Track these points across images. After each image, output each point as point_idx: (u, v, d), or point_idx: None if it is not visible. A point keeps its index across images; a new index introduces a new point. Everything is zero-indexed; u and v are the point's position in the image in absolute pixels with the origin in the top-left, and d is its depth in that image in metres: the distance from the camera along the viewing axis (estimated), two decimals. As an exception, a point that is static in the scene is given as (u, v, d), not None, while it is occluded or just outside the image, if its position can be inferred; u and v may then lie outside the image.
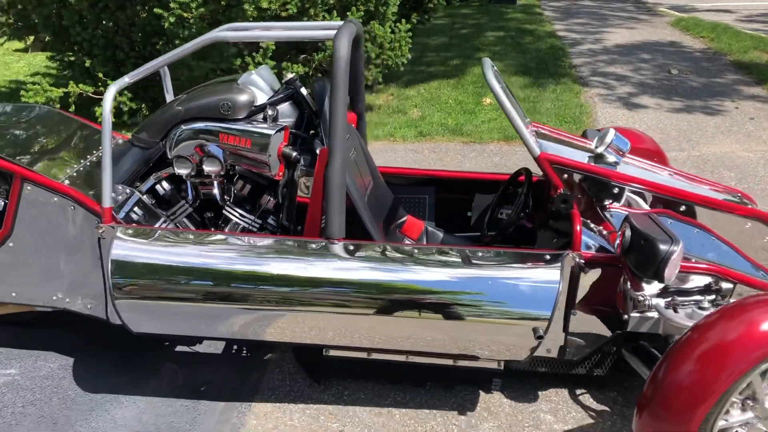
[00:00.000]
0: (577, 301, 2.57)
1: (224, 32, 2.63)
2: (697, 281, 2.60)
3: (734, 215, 2.78)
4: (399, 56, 6.40)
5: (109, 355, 3.02)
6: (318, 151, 2.66)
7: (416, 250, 2.52)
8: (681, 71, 7.68)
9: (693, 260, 2.58)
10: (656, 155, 3.57)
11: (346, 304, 2.44)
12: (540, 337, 2.41)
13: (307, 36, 2.62)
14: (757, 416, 2.20)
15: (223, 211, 2.83)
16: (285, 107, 2.79)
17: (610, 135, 2.74)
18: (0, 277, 2.81)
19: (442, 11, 11.90)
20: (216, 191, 2.83)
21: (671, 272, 2.28)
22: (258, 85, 2.78)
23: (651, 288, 2.55)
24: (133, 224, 2.66)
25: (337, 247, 2.49)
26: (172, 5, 5.35)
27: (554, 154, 2.64)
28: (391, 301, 2.42)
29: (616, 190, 2.71)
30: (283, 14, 5.93)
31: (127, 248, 2.50)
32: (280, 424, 2.66)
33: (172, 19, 5.38)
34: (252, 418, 2.69)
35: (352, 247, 2.50)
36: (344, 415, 2.71)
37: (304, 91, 2.82)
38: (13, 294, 2.84)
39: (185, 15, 5.50)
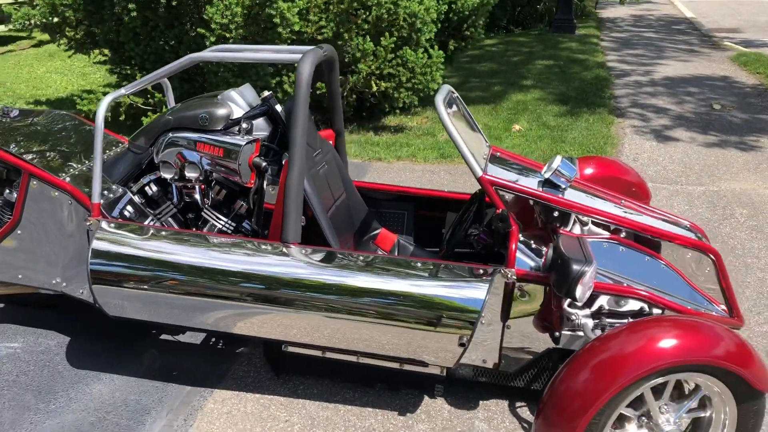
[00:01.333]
0: (511, 316, 2.72)
1: (203, 53, 2.95)
2: (631, 305, 2.71)
3: (675, 245, 2.87)
4: (429, 81, 6.63)
5: (102, 338, 3.36)
6: (284, 162, 2.93)
7: (361, 258, 2.74)
8: (724, 106, 7.59)
9: (625, 284, 2.70)
10: (636, 187, 3.68)
11: (296, 303, 2.67)
12: (462, 345, 2.59)
13: (276, 59, 2.90)
14: (652, 433, 2.30)
15: (202, 213, 3.13)
16: (260, 122, 3.07)
17: (556, 161, 2.89)
18: (9, 260, 3.19)
19: (498, 38, 12.08)
20: (197, 195, 3.14)
21: (582, 291, 2.42)
22: (235, 100, 3.08)
23: (583, 308, 2.69)
24: (118, 219, 2.98)
25: (292, 250, 2.74)
26: (213, 26, 5.78)
27: (495, 176, 2.81)
28: (335, 302, 2.64)
29: (556, 213, 2.85)
30: (319, 37, 6.29)
31: (106, 239, 2.82)
32: (234, 409, 2.92)
33: (213, 39, 5.81)
34: (210, 403, 2.96)
35: (305, 251, 2.74)
36: (294, 406, 2.94)
37: (279, 107, 3.09)
38: (20, 276, 3.22)
39: (226, 35, 5.92)
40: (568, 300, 2.61)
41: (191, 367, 3.18)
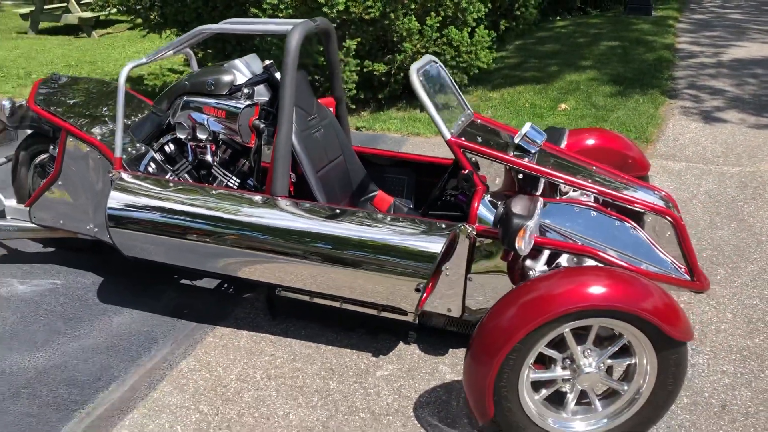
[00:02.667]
0: (473, 270, 2.95)
1: (210, 26, 3.30)
2: (588, 263, 2.89)
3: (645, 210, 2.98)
4: (474, 60, 6.79)
5: (128, 279, 3.80)
6: (280, 125, 3.25)
7: (338, 211, 3.04)
8: (788, 88, 7.35)
9: (580, 242, 2.87)
10: (632, 159, 3.78)
11: (280, 249, 3.00)
12: (418, 291, 2.84)
13: (268, 30, 3.22)
14: (574, 375, 2.48)
15: (212, 170, 3.51)
16: (261, 88, 3.40)
17: (525, 128, 3.07)
18: (52, 207, 3.68)
19: (570, 20, 11.97)
20: (208, 154, 3.52)
21: (521, 244, 2.62)
22: (239, 68, 3.42)
23: (539, 263, 2.88)
24: (136, 172, 3.40)
25: (278, 202, 3.08)
26: (265, 6, 6.18)
27: (463, 139, 3.03)
28: (311, 249, 2.94)
29: (521, 175, 3.04)
30: (366, 17, 6.57)
31: (123, 189, 3.24)
32: (229, 343, 3.29)
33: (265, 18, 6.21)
34: (210, 337, 3.34)
35: (289, 203, 3.07)
36: (281, 344, 3.28)
37: (278, 75, 3.41)
38: (61, 222, 3.71)
39: (278, 15, 6.31)
40: (509, 253, 2.81)
41: (200, 307, 3.57)
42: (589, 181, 3.04)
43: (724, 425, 2.72)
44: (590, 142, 3.77)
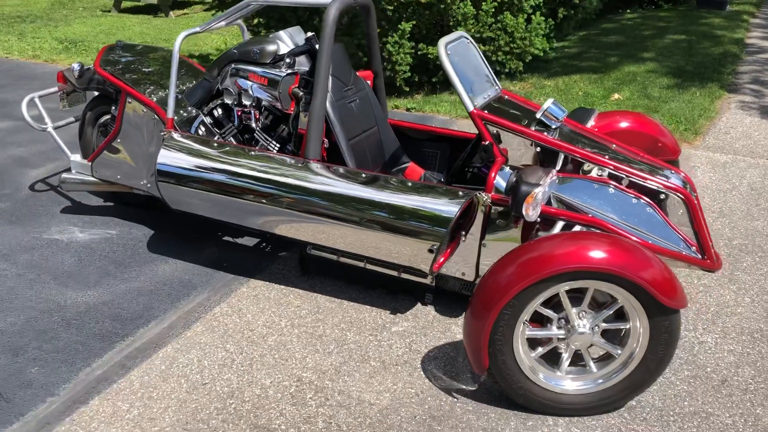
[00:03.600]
0: (487, 236, 3.11)
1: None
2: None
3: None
4: (528, 46, 6.86)
5: (177, 233, 4.11)
6: (317, 93, 3.48)
7: (363, 175, 3.25)
8: None
9: (593, 215, 2.99)
10: (662, 142, 3.84)
11: (310, 209, 3.22)
12: (431, 252, 3.02)
13: (310, 3, 3.44)
14: (568, 335, 2.62)
15: (255, 135, 3.77)
16: (302, 59, 3.63)
17: (547, 103, 3.20)
18: (110, 163, 4.02)
19: (639, 13, 11.79)
20: (252, 119, 3.78)
21: (528, 210, 2.77)
22: (283, 39, 3.66)
23: (552, 233, 3.02)
24: (185, 133, 3.69)
25: (310, 165, 3.31)
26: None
27: (486, 112, 3.18)
28: (338, 209, 3.15)
29: (538, 149, 3.18)
30: (423, 0, 6.73)
31: (172, 147, 3.54)
32: (260, 294, 3.55)
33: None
34: (244, 287, 3.61)
35: (320, 167, 3.29)
36: (307, 297, 3.52)
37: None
38: (118, 176, 4.05)
39: None
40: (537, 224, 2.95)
41: (239, 261, 3.85)
42: (606, 157, 3.15)
43: (721, 398, 2.80)
44: (621, 124, 3.85)
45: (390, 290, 3.51)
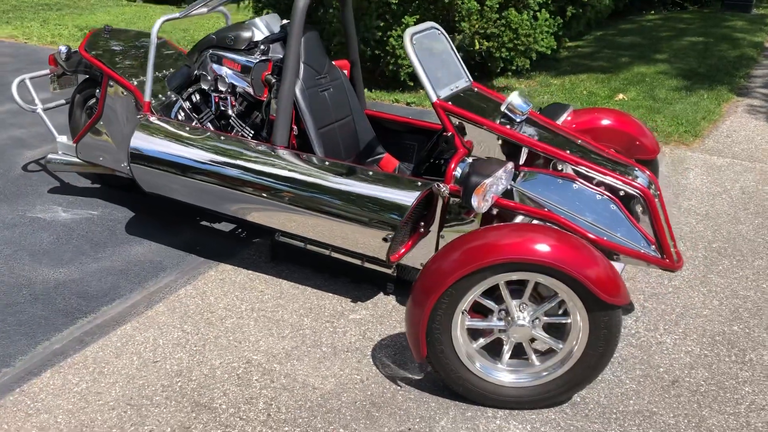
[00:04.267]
0: (445, 227, 3.12)
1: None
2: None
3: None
4: (532, 43, 6.81)
5: (157, 217, 4.17)
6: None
7: (326, 163, 3.27)
8: None
9: (546, 209, 2.97)
10: (639, 140, 3.80)
11: (276, 195, 3.25)
12: (386, 240, 3.03)
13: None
14: (507, 327, 2.61)
15: (230, 121, 3.81)
16: (277, 46, 3.66)
17: (511, 96, 3.18)
18: (94, 145, 4.10)
19: (661, 14, 11.62)
20: (228, 105, 3.82)
21: (477, 201, 2.76)
22: (259, 26, 3.69)
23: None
24: (161, 117, 3.74)
25: (277, 151, 3.34)
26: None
27: (449, 103, 3.17)
28: (299, 196, 3.18)
29: (500, 141, 3.16)
30: (427, -5, 6.72)
31: (145, 131, 3.59)
32: (227, 278, 3.59)
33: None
34: (212, 271, 3.66)
35: (286, 153, 3.32)
36: (272, 283, 3.55)
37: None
38: (101, 158, 4.13)
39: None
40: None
41: (212, 246, 3.90)
42: (568, 151, 3.12)
43: (668, 398, 2.77)
44: (598, 122, 3.82)
45: (354, 279, 3.52)
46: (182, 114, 3.91)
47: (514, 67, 7.35)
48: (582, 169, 3.05)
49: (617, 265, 3.19)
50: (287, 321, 3.23)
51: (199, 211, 3.90)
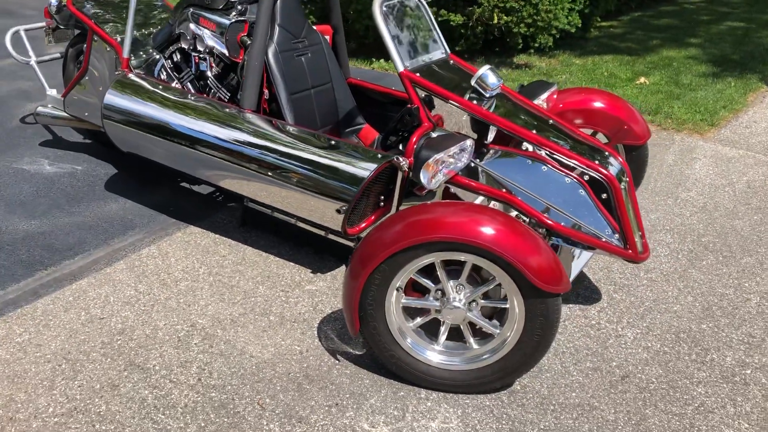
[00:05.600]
0: (405, 201, 3.03)
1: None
2: (508, 210, 2.90)
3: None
4: (552, 19, 6.59)
5: (139, 176, 4.18)
6: (263, 43, 3.43)
7: (292, 129, 3.20)
8: None
9: (504, 190, 2.87)
10: (628, 124, 3.64)
11: (238, 159, 3.20)
12: (339, 212, 2.96)
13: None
14: (442, 306, 2.52)
15: (208, 82, 3.77)
16: (255, 7, 3.58)
17: (482, 70, 3.06)
18: (79, 100, 4.10)
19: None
20: (207, 65, 3.77)
21: (426, 177, 2.67)
22: (236, -14, 3.62)
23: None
24: (140, 74, 3.72)
25: (244, 115, 3.29)
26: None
27: (416, 74, 3.06)
28: (259, 161, 3.12)
29: (466, 117, 3.05)
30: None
31: (120, 86, 3.57)
32: (193, 240, 3.58)
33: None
34: (179, 233, 3.65)
35: (252, 117, 3.27)
36: (235, 248, 3.53)
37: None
38: (86, 114, 4.13)
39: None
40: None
41: (186, 208, 3.89)
42: (534, 131, 2.99)
43: (614, 393, 2.66)
44: (586, 103, 3.67)
45: (318, 250, 3.47)
46: (164, 73, 3.88)
47: (536, 45, 7.13)
48: (545, 151, 2.92)
49: (586, 254, 3.08)
50: (242, 287, 3.20)
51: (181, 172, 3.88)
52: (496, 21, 6.65)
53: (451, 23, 6.80)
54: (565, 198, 2.92)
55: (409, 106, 3.03)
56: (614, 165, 3.01)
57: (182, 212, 3.82)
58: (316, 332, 2.92)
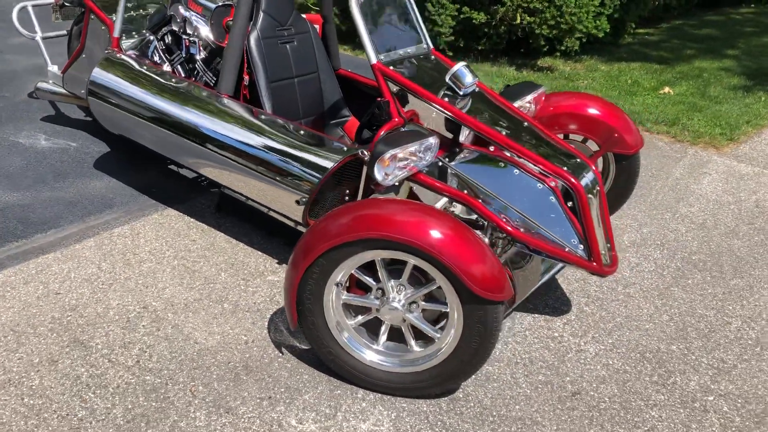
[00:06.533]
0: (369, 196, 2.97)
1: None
2: (470, 213, 2.81)
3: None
4: (576, 23, 6.42)
5: (130, 155, 4.20)
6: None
7: (263, 117, 3.17)
8: None
9: (465, 192, 2.78)
10: (619, 132, 3.51)
11: (209, 144, 3.18)
12: (298, 203, 2.92)
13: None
14: (380, 306, 2.45)
15: (196, 65, 3.76)
16: (243, -8, 3.55)
17: (456, 66, 2.97)
18: (77, 77, 4.14)
19: (757, 8, 10.75)
20: (196, 49, 3.76)
21: (380, 172, 2.60)
22: (222, -30, 3.60)
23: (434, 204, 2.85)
24: (129, 54, 3.73)
25: (220, 100, 3.27)
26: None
27: (389, 68, 2.99)
28: (230, 147, 3.10)
29: (435, 114, 2.96)
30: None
31: (106, 65, 3.59)
32: (167, 223, 3.58)
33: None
34: (156, 215, 3.65)
35: (227, 102, 3.24)
36: (208, 233, 3.51)
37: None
38: (82, 91, 4.17)
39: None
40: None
41: (168, 190, 3.89)
42: (504, 132, 2.89)
43: (560, 410, 2.55)
44: (576, 108, 3.54)
45: (289, 241, 3.42)
46: (157, 55, 3.88)
47: (563, 48, 6.96)
48: (511, 153, 2.82)
49: (559, 265, 2.97)
50: (203, 273, 3.18)
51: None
52: (518, 21, 6.51)
53: (474, 21, 6.69)
54: (533, 204, 2.81)
55: (378, 99, 2.96)
56: (585, 173, 2.89)
57: (164, 194, 3.83)
58: (266, 323, 2.88)
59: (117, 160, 4.14)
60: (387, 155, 2.57)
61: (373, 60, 2.97)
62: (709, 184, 4.57)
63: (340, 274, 2.40)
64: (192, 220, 3.60)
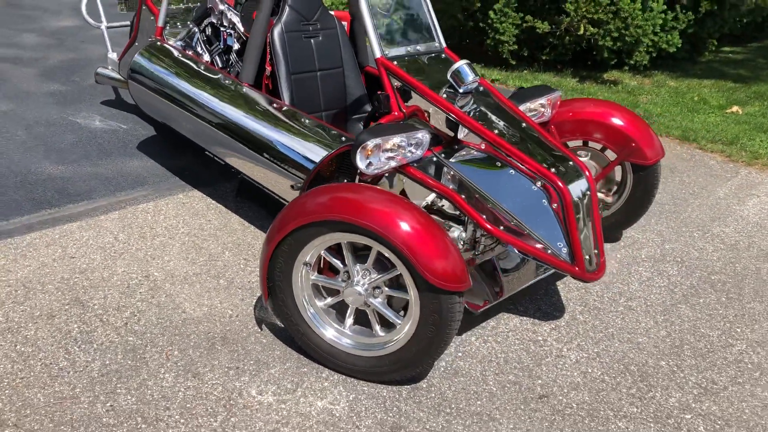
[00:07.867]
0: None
1: None
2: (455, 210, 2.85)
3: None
4: (641, 35, 6.26)
5: (173, 141, 4.43)
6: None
7: (274, 105, 3.31)
8: None
9: (451, 188, 2.82)
10: (636, 142, 3.44)
11: (227, 130, 3.35)
12: (292, 187, 3.03)
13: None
14: (344, 287, 2.52)
15: (230, 56, 3.96)
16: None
17: (457, 65, 2.99)
18: (124, 61, 4.44)
19: None
20: (233, 40, 3.96)
21: (361, 160, 2.67)
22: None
23: (423, 199, 2.91)
24: (169, 43, 3.97)
25: (240, 88, 3.44)
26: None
27: (392, 62, 3.06)
28: (243, 131, 3.25)
29: (434, 110, 3.01)
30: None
31: (148, 51, 3.84)
32: (190, 203, 3.78)
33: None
34: (180, 194, 3.86)
35: (246, 91, 3.41)
36: (225, 215, 3.68)
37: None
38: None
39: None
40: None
41: (199, 173, 4.10)
42: (496, 131, 2.90)
43: (522, 411, 2.53)
44: (596, 116, 3.49)
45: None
46: (199, 46, 4.11)
47: (632, 62, 6.79)
48: (502, 151, 2.82)
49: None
50: (209, 250, 3.34)
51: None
52: (582, 32, 6.40)
53: (537, 30, 6.63)
54: (524, 205, 2.80)
55: (379, 92, 3.02)
56: (577, 178, 2.85)
57: (194, 177, 4.03)
58: (254, 301, 2.99)
59: (160, 144, 4.39)
60: (370, 144, 2.63)
61: (378, 54, 3.04)
62: (753, 207, 4.36)
63: (309, 254, 2.48)
64: (213, 202, 3.78)
